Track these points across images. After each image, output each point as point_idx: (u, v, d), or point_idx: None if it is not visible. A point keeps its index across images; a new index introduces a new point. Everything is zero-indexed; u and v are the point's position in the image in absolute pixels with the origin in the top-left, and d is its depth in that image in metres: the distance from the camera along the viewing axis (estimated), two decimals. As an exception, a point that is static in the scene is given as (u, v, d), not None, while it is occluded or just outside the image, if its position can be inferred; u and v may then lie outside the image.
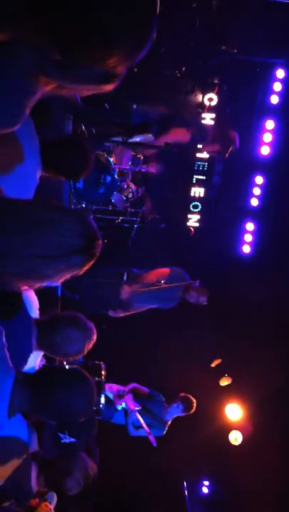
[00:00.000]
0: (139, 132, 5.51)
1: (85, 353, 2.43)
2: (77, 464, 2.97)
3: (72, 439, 3.10)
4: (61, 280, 1.74)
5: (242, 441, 6.71)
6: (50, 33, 1.31)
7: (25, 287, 2.36)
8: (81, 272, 1.76)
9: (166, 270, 5.84)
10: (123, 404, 5.70)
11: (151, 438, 5.55)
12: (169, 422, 5.80)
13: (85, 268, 1.75)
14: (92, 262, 1.76)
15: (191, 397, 5.83)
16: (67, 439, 3.09)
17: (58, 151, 2.84)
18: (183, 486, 7.33)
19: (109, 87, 1.62)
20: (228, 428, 6.83)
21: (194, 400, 5.80)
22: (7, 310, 2.25)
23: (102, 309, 5.88)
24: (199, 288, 5.77)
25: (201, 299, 5.78)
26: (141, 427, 5.59)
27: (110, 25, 1.27)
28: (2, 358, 1.93)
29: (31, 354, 2.31)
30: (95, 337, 2.45)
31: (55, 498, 3.39)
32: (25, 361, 2.27)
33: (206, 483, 7.82)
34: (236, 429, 6.78)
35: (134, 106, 5.23)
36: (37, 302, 2.79)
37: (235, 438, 6.71)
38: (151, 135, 5.60)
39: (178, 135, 5.28)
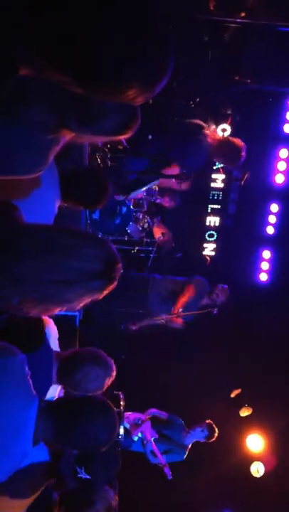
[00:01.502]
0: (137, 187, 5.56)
1: (104, 389, 2.43)
2: (99, 495, 2.93)
3: (88, 476, 3.07)
4: (81, 305, 1.74)
5: (264, 473, 6.57)
6: (70, 67, 1.35)
7: (46, 316, 2.38)
8: (101, 297, 1.75)
9: (190, 289, 5.93)
10: (139, 435, 5.67)
11: (167, 470, 5.50)
12: (190, 446, 5.76)
13: (105, 292, 1.74)
14: (112, 286, 1.75)
15: (213, 424, 5.81)
16: (83, 475, 3.07)
17: (77, 181, 2.90)
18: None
19: (123, 136, 1.75)
20: (249, 459, 6.70)
21: (216, 429, 5.78)
22: (31, 342, 2.27)
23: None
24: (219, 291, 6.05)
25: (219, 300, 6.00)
26: (161, 453, 5.57)
27: (128, 55, 1.29)
28: (26, 386, 1.94)
29: (51, 386, 2.32)
30: (114, 373, 2.46)
31: None
32: (45, 393, 2.28)
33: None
34: (258, 460, 6.65)
35: (150, 136, 5.29)
36: (56, 332, 2.81)
37: (257, 470, 6.58)
38: (154, 181, 5.63)
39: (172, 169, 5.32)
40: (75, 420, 2.00)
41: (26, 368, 1.97)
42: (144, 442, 5.66)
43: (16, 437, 1.85)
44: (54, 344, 2.79)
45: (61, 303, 1.70)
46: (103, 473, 3.23)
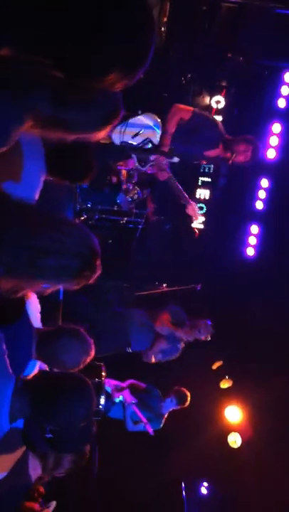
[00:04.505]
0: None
1: (82, 366, 2.45)
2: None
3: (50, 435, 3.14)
4: (53, 287, 1.73)
5: (241, 444, 6.73)
6: (51, 50, 1.34)
7: (27, 293, 2.39)
8: (76, 287, 1.73)
9: (165, 316, 5.79)
10: (121, 398, 5.78)
11: (148, 428, 5.63)
12: (166, 415, 5.88)
13: (81, 282, 1.72)
14: (89, 278, 1.73)
15: (184, 390, 5.94)
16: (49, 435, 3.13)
17: (63, 156, 2.87)
18: (181, 486, 7.36)
19: (99, 134, 1.63)
20: (227, 430, 6.85)
21: (188, 393, 5.90)
22: (9, 315, 2.28)
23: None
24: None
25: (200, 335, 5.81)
26: (139, 421, 5.72)
27: (110, 39, 1.30)
28: (2, 364, 1.96)
29: (30, 362, 2.34)
30: (92, 352, 2.48)
31: (54, 505, 3.45)
32: (23, 368, 2.30)
33: (205, 484, 7.85)
34: (236, 431, 6.80)
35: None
36: (38, 306, 2.83)
37: (235, 440, 6.74)
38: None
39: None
40: (52, 398, 2.02)
41: (4, 346, 1.98)
42: (126, 405, 5.77)
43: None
44: (35, 318, 2.81)
45: (33, 275, 1.67)
46: (75, 438, 3.30)
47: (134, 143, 5.36)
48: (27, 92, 1.39)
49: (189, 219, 5.69)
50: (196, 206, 5.59)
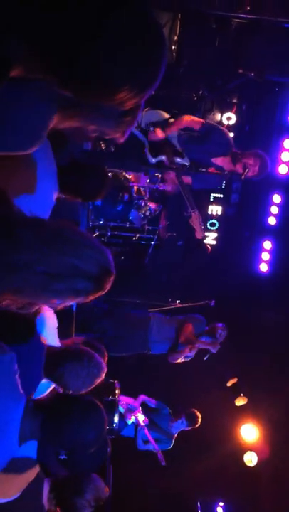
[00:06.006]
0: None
1: (89, 389, 2.41)
2: (88, 485, 2.96)
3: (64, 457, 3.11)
4: (63, 304, 1.73)
5: (257, 463, 6.63)
6: (59, 74, 1.35)
7: (40, 309, 2.38)
8: (85, 301, 1.73)
9: (189, 329, 5.76)
10: (133, 419, 5.74)
11: (160, 456, 5.60)
12: (176, 435, 5.87)
13: (90, 298, 1.72)
14: (98, 294, 1.73)
15: (195, 411, 5.90)
16: (64, 456, 3.10)
17: (76, 174, 2.87)
18: (197, 506, 7.24)
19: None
20: (243, 449, 6.75)
21: (199, 415, 5.87)
22: (19, 334, 2.26)
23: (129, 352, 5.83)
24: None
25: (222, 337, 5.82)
26: (149, 441, 5.65)
27: (119, 63, 1.30)
28: (13, 384, 1.94)
29: (43, 383, 2.32)
30: (102, 373, 2.44)
31: None
32: (35, 388, 2.27)
33: (221, 504, 7.72)
34: (251, 450, 6.70)
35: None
36: (55, 321, 2.80)
37: (250, 459, 6.64)
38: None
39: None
40: (63, 421, 1.99)
41: (15, 366, 1.96)
42: (138, 429, 5.75)
43: (0, 437, 1.85)
44: (52, 334, 2.78)
45: (44, 296, 1.67)
46: (89, 457, 3.26)
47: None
48: None
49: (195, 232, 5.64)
50: (200, 218, 5.53)
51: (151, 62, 1.36)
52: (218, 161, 5.50)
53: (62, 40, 1.28)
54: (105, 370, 2.48)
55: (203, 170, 5.58)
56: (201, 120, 5.40)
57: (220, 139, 5.39)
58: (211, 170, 5.54)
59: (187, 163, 5.51)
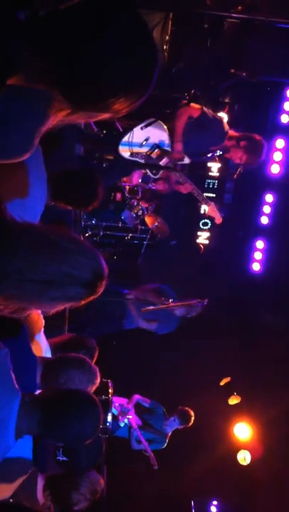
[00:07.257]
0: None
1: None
2: (84, 479, 2.96)
3: (65, 458, 3.11)
4: (56, 309, 1.75)
5: (251, 461, 6.64)
6: (58, 74, 1.36)
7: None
8: (79, 305, 1.76)
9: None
10: (126, 421, 5.75)
11: (152, 460, 5.60)
12: (170, 434, 5.87)
13: (82, 303, 1.75)
14: (91, 299, 1.76)
15: (188, 410, 5.89)
16: (61, 457, 3.10)
17: (68, 184, 2.84)
18: (190, 505, 7.25)
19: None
20: (236, 448, 6.76)
21: (191, 413, 5.86)
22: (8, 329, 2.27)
23: (112, 328, 5.87)
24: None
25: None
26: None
27: (115, 76, 1.35)
28: (8, 380, 1.94)
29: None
30: (98, 381, 2.48)
31: None
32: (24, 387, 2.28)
33: (215, 503, 7.73)
34: (245, 448, 6.71)
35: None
36: (42, 322, 2.82)
37: (244, 458, 6.65)
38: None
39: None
40: (60, 416, 2.00)
41: (9, 363, 1.97)
42: (131, 430, 5.75)
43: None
44: (40, 336, 2.80)
45: (37, 303, 1.72)
46: (85, 456, 3.26)
47: (143, 150, 5.38)
48: None
49: (212, 220, 6.07)
50: (215, 207, 5.83)
51: (146, 71, 1.42)
52: (215, 148, 5.66)
53: (62, 41, 1.30)
54: (99, 378, 2.53)
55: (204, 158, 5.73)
56: (199, 106, 5.42)
57: (216, 130, 5.46)
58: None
59: (188, 162, 5.58)
